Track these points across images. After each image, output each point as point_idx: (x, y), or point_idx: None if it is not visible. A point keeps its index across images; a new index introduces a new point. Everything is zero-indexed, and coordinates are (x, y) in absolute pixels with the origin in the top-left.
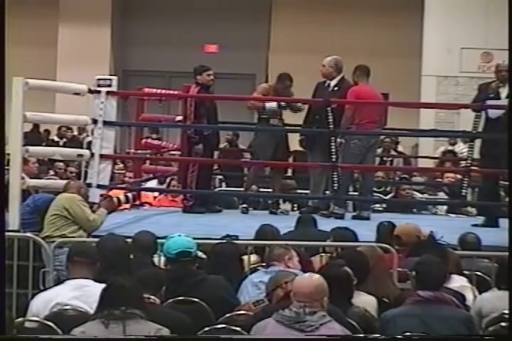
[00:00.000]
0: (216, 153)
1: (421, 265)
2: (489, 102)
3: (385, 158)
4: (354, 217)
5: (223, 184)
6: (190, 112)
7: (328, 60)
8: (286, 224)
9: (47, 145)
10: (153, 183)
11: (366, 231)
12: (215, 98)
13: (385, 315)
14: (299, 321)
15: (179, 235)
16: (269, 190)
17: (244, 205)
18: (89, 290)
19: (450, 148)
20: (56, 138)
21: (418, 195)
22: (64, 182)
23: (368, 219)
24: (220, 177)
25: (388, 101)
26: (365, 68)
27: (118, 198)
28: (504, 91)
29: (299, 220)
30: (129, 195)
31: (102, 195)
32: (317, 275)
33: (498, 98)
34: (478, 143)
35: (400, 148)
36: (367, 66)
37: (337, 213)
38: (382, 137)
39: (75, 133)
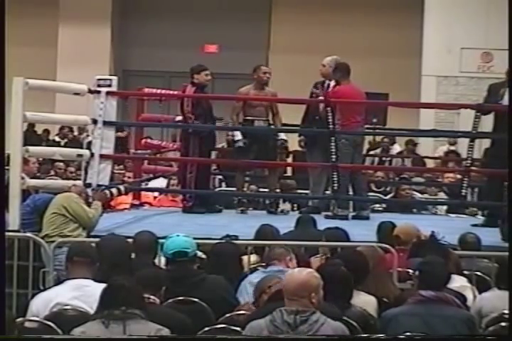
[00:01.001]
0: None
1: (425, 265)
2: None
3: (383, 158)
4: (354, 217)
5: (223, 184)
6: (188, 112)
7: (328, 60)
8: (285, 224)
9: (47, 146)
10: (154, 183)
11: (366, 231)
12: (213, 98)
13: (387, 314)
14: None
15: (177, 235)
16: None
17: (242, 208)
18: (89, 290)
19: (452, 148)
20: (57, 139)
21: (418, 194)
22: (64, 182)
23: (367, 218)
24: (220, 177)
25: (388, 101)
26: (346, 67)
27: (110, 191)
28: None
29: (299, 220)
30: (121, 187)
31: (93, 189)
32: (307, 271)
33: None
34: (478, 142)
35: (398, 148)
36: (346, 64)
37: (341, 215)
38: (380, 137)
39: (76, 133)
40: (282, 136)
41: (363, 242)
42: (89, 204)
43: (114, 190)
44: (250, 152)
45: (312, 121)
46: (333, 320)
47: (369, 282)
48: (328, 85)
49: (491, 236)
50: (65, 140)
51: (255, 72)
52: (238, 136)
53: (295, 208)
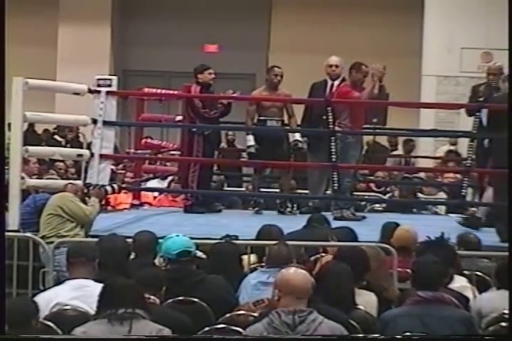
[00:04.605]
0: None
1: (417, 265)
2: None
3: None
4: (336, 218)
5: (224, 184)
6: (201, 107)
7: (339, 61)
8: (287, 224)
9: (47, 145)
10: (154, 183)
11: (367, 231)
12: (215, 98)
13: (385, 315)
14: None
15: (177, 235)
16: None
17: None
18: (89, 290)
19: (452, 148)
20: (58, 138)
21: (418, 194)
22: (64, 182)
23: (353, 220)
24: (221, 177)
25: (388, 101)
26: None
27: (105, 189)
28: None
29: (310, 220)
30: (115, 185)
31: (88, 187)
32: (303, 271)
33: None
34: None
35: (400, 148)
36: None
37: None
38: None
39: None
40: (297, 136)
41: (364, 242)
42: (85, 202)
43: (108, 188)
44: (262, 156)
45: (317, 121)
46: (337, 323)
47: (369, 282)
48: (332, 85)
49: (491, 236)
50: (63, 139)
51: (268, 73)
52: (251, 141)
53: (294, 208)
